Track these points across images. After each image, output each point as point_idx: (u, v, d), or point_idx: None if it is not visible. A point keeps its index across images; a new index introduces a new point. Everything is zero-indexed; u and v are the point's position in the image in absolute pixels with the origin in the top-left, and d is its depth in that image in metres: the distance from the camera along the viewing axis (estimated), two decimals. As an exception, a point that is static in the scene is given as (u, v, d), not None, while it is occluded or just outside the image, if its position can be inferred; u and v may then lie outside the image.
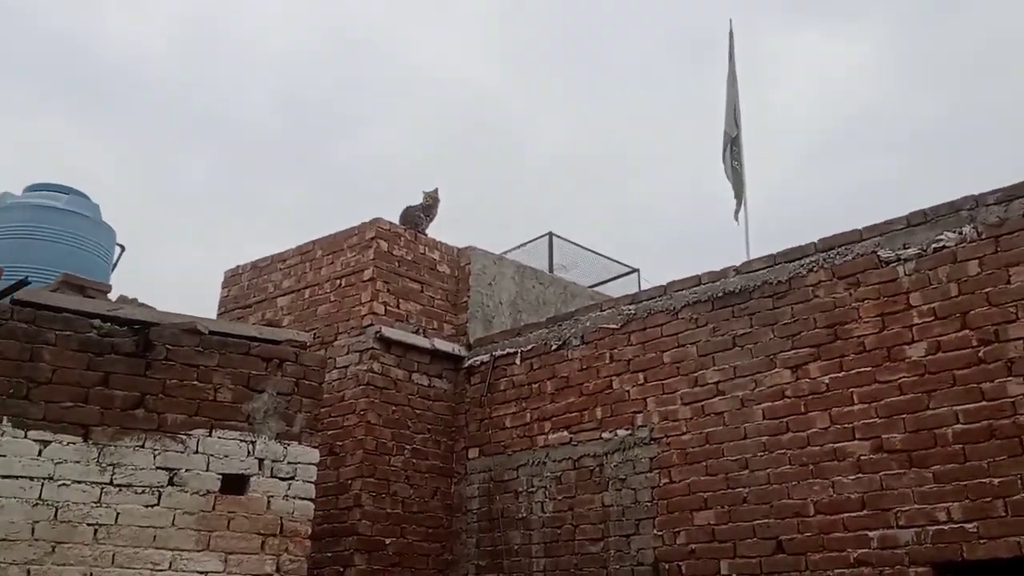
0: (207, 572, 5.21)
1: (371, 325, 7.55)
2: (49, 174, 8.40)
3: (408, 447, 7.47)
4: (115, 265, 8.14)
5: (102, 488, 5.04)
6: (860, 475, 5.40)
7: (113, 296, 6.80)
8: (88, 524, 4.94)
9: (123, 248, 8.26)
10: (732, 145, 9.92)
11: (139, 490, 5.15)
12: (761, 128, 30.00)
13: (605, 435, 6.76)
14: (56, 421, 5.03)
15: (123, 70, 33.24)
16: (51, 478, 4.91)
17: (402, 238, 8.16)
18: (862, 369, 5.59)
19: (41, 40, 30.58)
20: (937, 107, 31.78)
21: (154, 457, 5.26)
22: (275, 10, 36.31)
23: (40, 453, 4.93)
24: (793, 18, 35.73)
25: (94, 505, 4.99)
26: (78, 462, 5.02)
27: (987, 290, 5.23)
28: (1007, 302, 5.13)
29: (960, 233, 5.43)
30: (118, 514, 5.04)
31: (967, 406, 5.11)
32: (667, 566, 6.10)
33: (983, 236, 5.34)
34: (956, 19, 32.27)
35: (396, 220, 8.34)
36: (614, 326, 7.01)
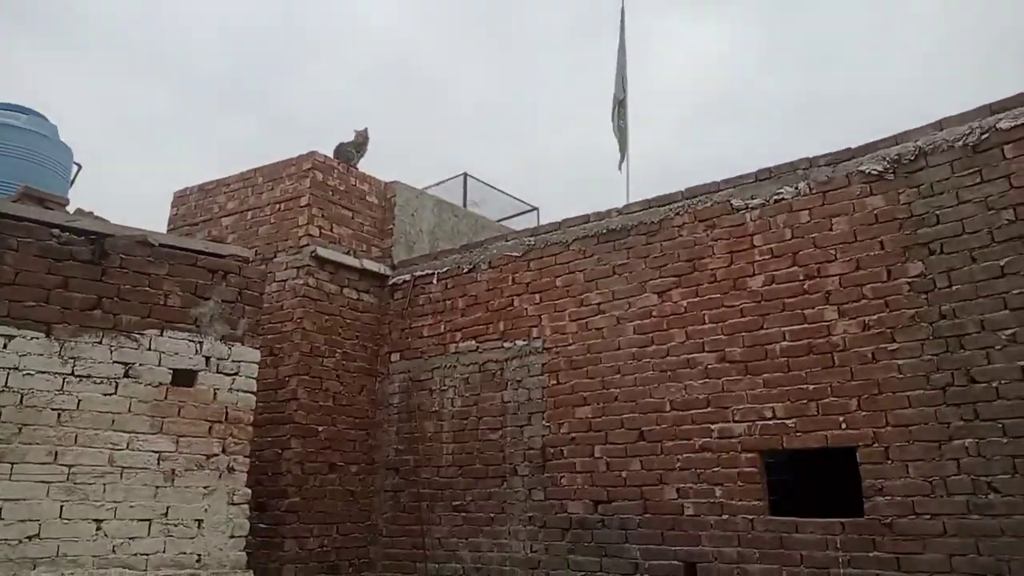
0: (160, 451, 5.11)
1: (307, 245, 7.37)
2: (9, 97, 7.68)
3: (339, 351, 7.40)
4: (72, 181, 7.59)
5: (64, 378, 4.85)
6: (707, 380, 5.62)
7: (71, 209, 6.40)
8: (52, 409, 4.76)
9: (79, 166, 7.68)
10: (619, 107, 9.94)
11: (98, 380, 4.97)
12: (645, 94, 30.26)
13: (506, 344, 6.84)
14: (20, 318, 4.78)
15: (84, 4, 30.58)
16: (16, 368, 4.68)
17: (335, 170, 7.92)
18: (713, 295, 5.75)
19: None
20: (791, 83, 32.76)
21: (111, 352, 5.07)
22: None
23: (5, 346, 4.68)
24: (674, 2, 35.86)
25: (57, 392, 4.79)
26: (41, 355, 4.79)
27: (814, 235, 5.41)
28: (829, 245, 5.34)
29: (796, 188, 5.57)
30: (79, 400, 4.86)
31: (792, 327, 5.33)
32: (552, 450, 6.28)
33: (814, 191, 5.49)
34: (807, 11, 33.07)
35: (331, 154, 8.08)
36: (516, 254, 7.03)
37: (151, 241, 5.52)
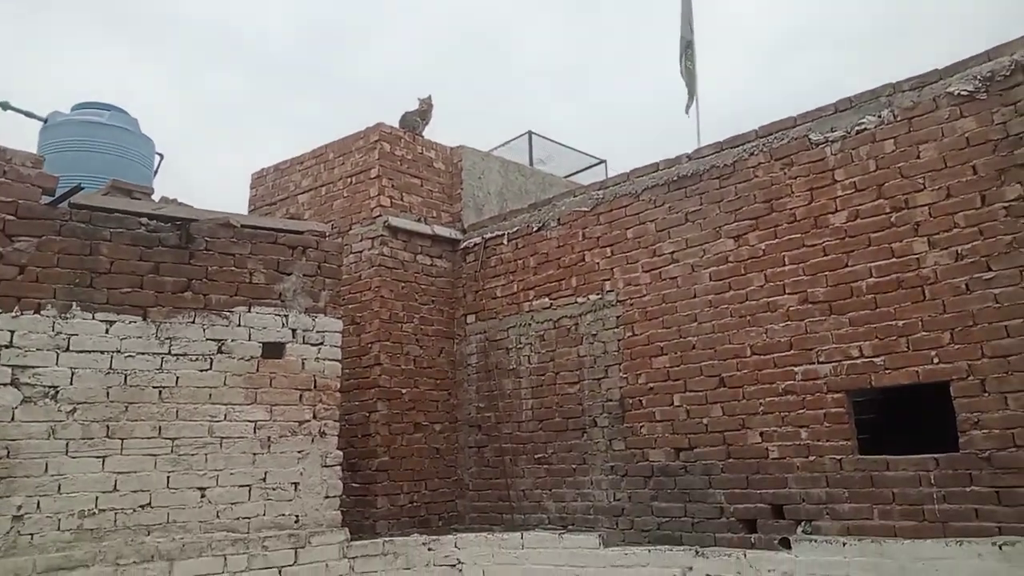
0: (256, 420, 5.35)
1: (380, 216, 7.46)
2: (94, 95, 8.05)
3: (416, 316, 7.51)
4: (156, 171, 7.93)
5: (162, 357, 5.10)
6: (789, 322, 5.41)
7: (156, 198, 6.68)
8: (153, 387, 5.02)
9: (162, 156, 8.03)
10: (687, 48, 9.55)
11: (193, 358, 5.21)
12: (717, 31, 28.89)
13: (579, 300, 6.78)
14: (118, 304, 5.03)
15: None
16: (119, 351, 4.95)
17: (402, 140, 7.94)
18: (793, 236, 5.50)
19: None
20: (875, 4, 30.61)
21: (204, 331, 5.30)
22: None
23: (107, 331, 4.95)
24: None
25: (157, 371, 5.06)
26: (139, 337, 5.04)
27: (900, 165, 5.08)
28: (916, 174, 5.01)
29: (879, 116, 5.22)
30: (178, 378, 5.12)
31: (879, 263, 5.06)
32: (630, 401, 6.23)
33: (898, 118, 5.14)
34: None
35: (396, 124, 8.10)
36: (585, 209, 6.92)
37: (233, 223, 5.68)
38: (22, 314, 4.68)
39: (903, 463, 4.81)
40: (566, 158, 11.13)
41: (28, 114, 7.54)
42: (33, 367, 4.65)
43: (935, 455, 4.70)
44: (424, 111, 8.40)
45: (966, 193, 4.79)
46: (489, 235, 7.70)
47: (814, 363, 5.26)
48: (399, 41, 35.87)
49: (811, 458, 5.19)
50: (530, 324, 7.13)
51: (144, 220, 5.31)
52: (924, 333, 4.82)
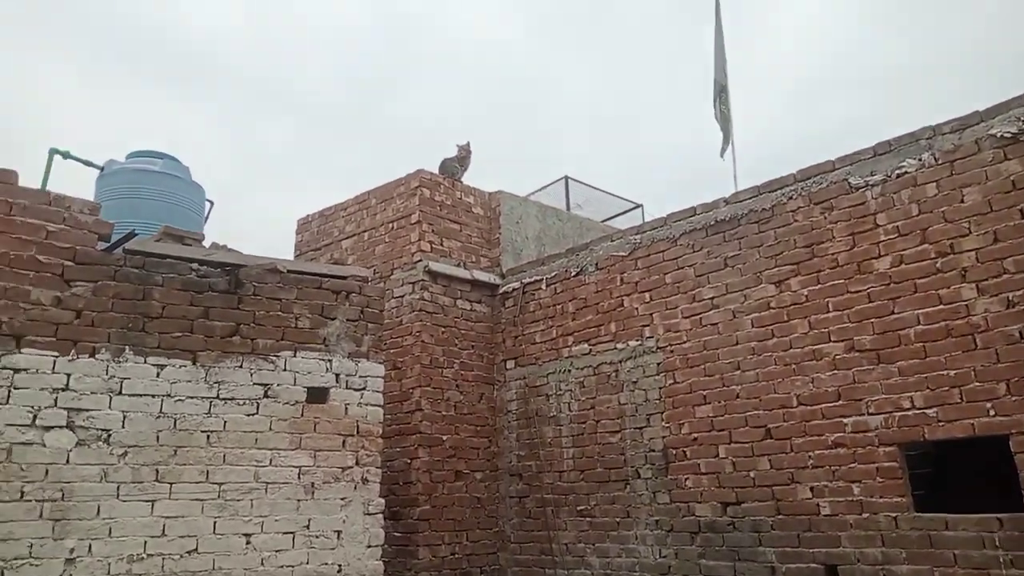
0: (300, 466, 5.35)
1: (420, 261, 7.56)
2: (148, 143, 8.37)
3: (457, 361, 7.54)
4: (207, 218, 8.12)
5: (210, 402, 5.14)
6: (835, 371, 5.32)
7: (206, 244, 6.84)
8: (202, 431, 5.06)
9: (212, 203, 8.22)
10: (721, 93, 9.62)
11: (241, 402, 5.25)
12: (751, 73, 29.02)
13: (619, 346, 6.75)
14: (169, 348, 5.09)
15: (203, 51, 33.04)
16: (169, 395, 5.00)
17: (442, 186, 8.08)
18: (836, 282, 5.46)
19: (128, 28, 30.29)
20: (903, 48, 30.54)
21: (251, 375, 5.34)
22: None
23: (158, 375, 5.01)
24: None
25: (205, 416, 5.09)
26: (189, 381, 5.10)
27: (943, 209, 5.04)
28: (961, 218, 4.95)
29: (920, 160, 5.20)
30: (225, 422, 5.15)
31: (927, 310, 4.98)
32: (674, 452, 6.14)
33: (940, 161, 5.11)
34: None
35: (436, 171, 8.26)
36: (623, 254, 6.93)
37: (280, 268, 5.78)
38: (78, 357, 4.79)
39: (963, 522, 4.63)
40: (603, 203, 11.18)
41: (86, 162, 7.80)
42: (87, 410, 4.74)
43: (998, 515, 4.51)
44: (463, 157, 8.57)
45: (1014, 238, 4.72)
46: (528, 280, 7.73)
47: (864, 414, 5.14)
48: (438, 88, 36.70)
49: (865, 515, 5.03)
50: (570, 370, 7.10)
51: (195, 266, 5.43)
52: (978, 384, 4.69)
